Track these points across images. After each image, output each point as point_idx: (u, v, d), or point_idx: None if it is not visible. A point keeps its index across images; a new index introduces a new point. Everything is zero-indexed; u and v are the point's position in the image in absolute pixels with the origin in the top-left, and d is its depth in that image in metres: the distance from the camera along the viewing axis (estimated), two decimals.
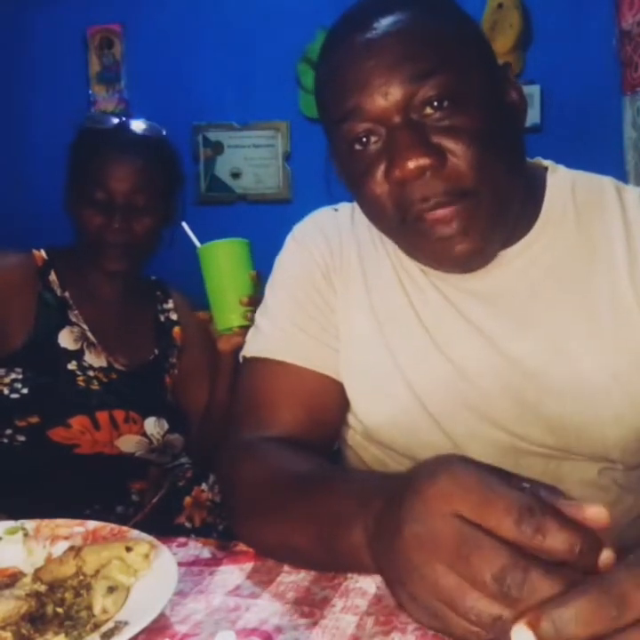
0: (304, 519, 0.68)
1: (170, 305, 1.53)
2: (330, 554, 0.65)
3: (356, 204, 0.92)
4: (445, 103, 0.73)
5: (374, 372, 0.87)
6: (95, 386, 1.33)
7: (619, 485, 0.83)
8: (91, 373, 1.34)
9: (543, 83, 2.42)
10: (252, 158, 2.72)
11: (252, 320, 1.20)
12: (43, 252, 1.39)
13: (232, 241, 1.33)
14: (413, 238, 0.79)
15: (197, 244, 1.36)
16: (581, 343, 0.81)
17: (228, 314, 1.31)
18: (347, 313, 0.89)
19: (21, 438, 1.29)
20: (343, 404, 0.89)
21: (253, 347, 0.92)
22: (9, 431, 1.29)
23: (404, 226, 0.77)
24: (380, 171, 0.75)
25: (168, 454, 1.42)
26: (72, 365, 1.32)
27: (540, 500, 0.47)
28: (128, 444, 1.34)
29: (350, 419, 0.91)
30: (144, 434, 1.36)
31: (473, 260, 0.79)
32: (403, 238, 0.81)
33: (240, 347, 1.31)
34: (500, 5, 2.38)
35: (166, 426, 1.39)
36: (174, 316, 1.52)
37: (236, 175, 2.73)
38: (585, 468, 0.82)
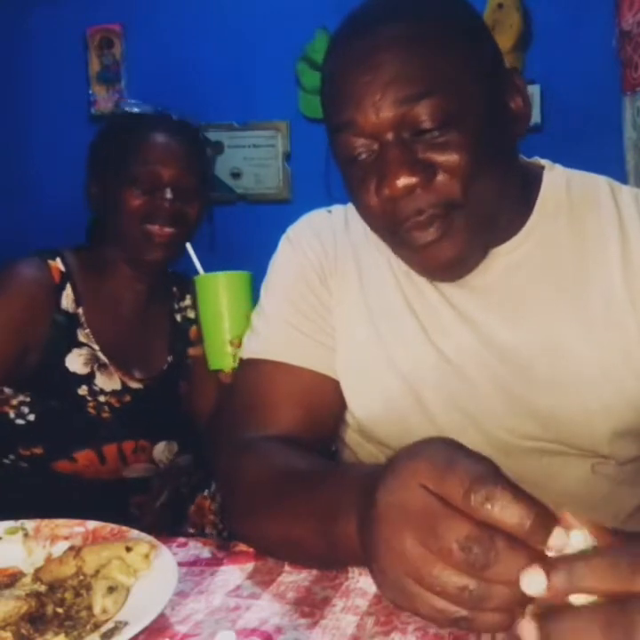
0: (304, 513, 0.68)
1: (187, 302, 1.45)
2: (328, 546, 0.65)
3: (350, 206, 0.93)
4: (438, 122, 0.74)
5: (369, 368, 0.87)
6: (106, 413, 1.27)
7: (612, 480, 0.83)
8: (102, 399, 1.27)
9: (543, 83, 2.42)
10: (252, 158, 2.71)
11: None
12: (59, 263, 1.29)
13: (232, 274, 1.20)
14: (402, 247, 0.81)
15: (200, 270, 1.25)
16: (572, 337, 0.82)
17: (218, 355, 1.18)
18: (342, 312, 0.89)
19: (24, 465, 1.26)
20: (341, 403, 0.90)
21: (250, 348, 0.92)
22: (12, 457, 1.26)
23: (395, 236, 0.80)
24: (373, 184, 0.77)
25: (173, 472, 1.37)
26: (82, 391, 1.26)
27: (498, 471, 0.47)
28: (134, 471, 1.31)
29: (347, 416, 0.92)
30: (152, 460, 1.32)
31: (455, 273, 0.81)
32: (394, 246, 0.83)
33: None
34: (500, 5, 2.38)
35: (176, 448, 1.35)
36: (192, 314, 1.43)
37: (235, 175, 2.73)
38: (578, 463, 0.82)
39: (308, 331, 0.89)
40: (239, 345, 1.10)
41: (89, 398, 1.27)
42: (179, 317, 1.45)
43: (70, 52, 2.76)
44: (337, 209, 0.98)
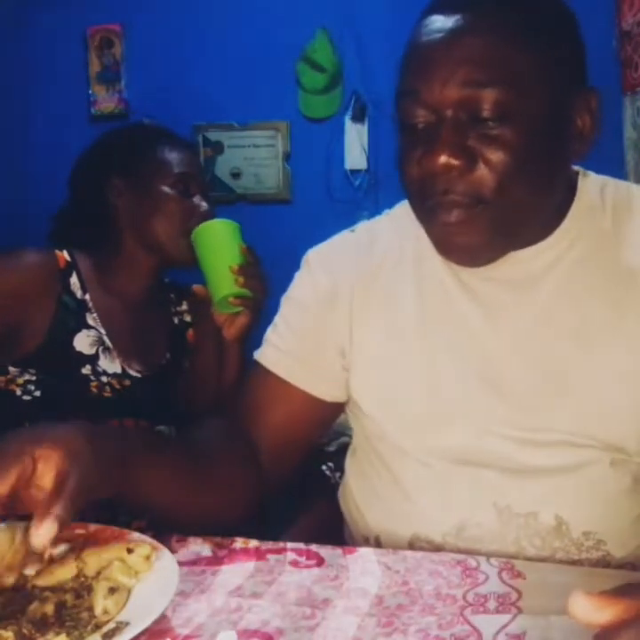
0: None
1: (184, 307, 1.52)
2: None
3: (376, 223, 0.98)
4: (497, 113, 0.75)
5: (391, 384, 0.89)
6: (108, 393, 1.32)
7: (633, 476, 0.83)
8: (104, 379, 1.33)
9: None
10: (252, 158, 2.71)
11: (245, 286, 1.31)
12: (65, 254, 1.36)
13: (223, 220, 1.37)
14: (428, 222, 0.83)
15: None
16: (607, 337, 0.83)
17: (220, 283, 1.33)
18: (364, 331, 0.92)
19: None
20: (325, 423, 1.00)
21: (264, 355, 0.97)
22: None
23: (424, 208, 0.82)
24: (418, 153, 0.79)
25: None
26: (86, 370, 1.32)
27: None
28: None
29: (359, 426, 0.96)
30: (157, 431, 1.36)
31: (473, 253, 0.82)
32: (422, 220, 0.84)
33: (244, 331, 1.34)
34: None
35: (175, 434, 1.38)
36: (188, 318, 1.52)
37: (235, 175, 2.72)
38: (600, 456, 0.82)
39: (310, 357, 0.94)
40: (237, 271, 1.31)
41: (92, 378, 1.32)
42: (176, 320, 1.51)
43: (70, 52, 2.76)
44: (361, 227, 0.99)
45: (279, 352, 0.95)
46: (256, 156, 2.70)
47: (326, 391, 0.94)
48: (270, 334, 0.98)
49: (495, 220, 0.78)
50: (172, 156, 1.41)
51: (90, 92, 2.78)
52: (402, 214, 0.92)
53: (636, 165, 1.98)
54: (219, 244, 1.35)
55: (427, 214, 0.82)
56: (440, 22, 0.78)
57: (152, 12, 2.69)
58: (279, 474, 0.96)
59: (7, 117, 2.76)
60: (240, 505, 0.91)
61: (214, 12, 2.65)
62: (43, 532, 0.60)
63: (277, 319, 0.99)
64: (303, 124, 2.57)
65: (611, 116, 2.23)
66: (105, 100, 2.77)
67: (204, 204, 1.41)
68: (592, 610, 0.44)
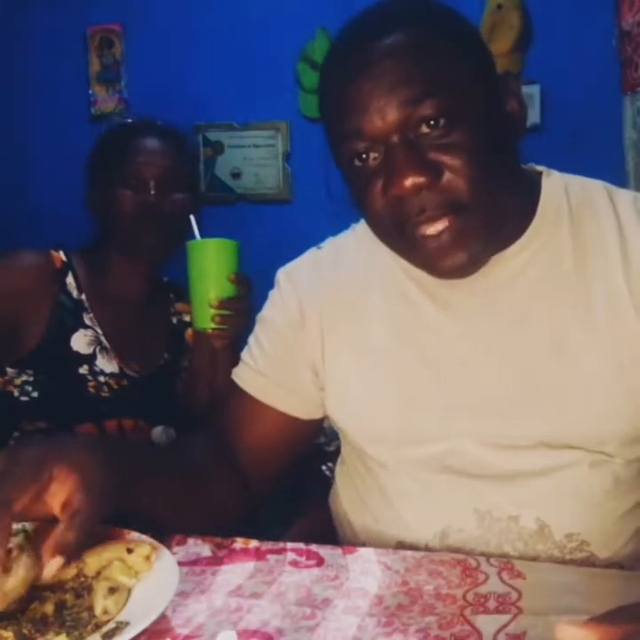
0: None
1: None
2: None
3: (343, 239, 0.98)
4: (442, 122, 0.76)
5: (363, 400, 0.90)
6: (105, 393, 1.32)
7: (615, 477, 0.83)
8: (101, 379, 1.32)
9: (543, 83, 2.41)
10: (252, 158, 2.71)
11: (221, 324, 1.26)
12: (61, 254, 1.37)
13: (218, 241, 1.29)
14: (411, 250, 0.82)
15: (198, 238, 1.34)
16: (580, 339, 0.82)
17: (199, 315, 1.28)
18: (334, 347, 0.92)
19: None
20: (304, 439, 1.00)
21: (241, 375, 0.99)
22: (17, 434, 1.29)
23: (402, 238, 0.81)
24: (379, 186, 0.78)
25: None
26: (83, 370, 1.31)
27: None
28: None
29: (342, 437, 0.97)
30: (151, 443, 1.35)
31: (464, 267, 0.82)
32: (402, 249, 0.84)
33: (231, 340, 1.32)
34: (500, 6, 2.37)
35: (174, 435, 1.38)
36: (187, 318, 1.50)
37: (235, 175, 2.72)
38: (581, 458, 0.82)
39: (281, 377, 0.95)
40: (216, 306, 1.24)
41: (89, 378, 1.32)
42: (175, 320, 1.51)
43: (70, 52, 2.75)
44: (329, 243, 1.00)
45: (252, 372, 0.97)
46: (256, 156, 2.70)
47: (300, 409, 0.96)
48: (245, 354, 1.00)
49: (477, 222, 0.78)
50: (132, 152, 1.37)
51: (90, 92, 2.77)
52: (367, 229, 0.89)
53: (636, 165, 1.97)
54: (206, 269, 1.27)
55: (408, 241, 0.80)
56: (358, 58, 0.78)
57: (152, 12, 2.68)
58: (262, 486, 0.98)
59: (7, 117, 2.76)
60: (227, 516, 0.93)
61: (214, 12, 2.65)
62: (53, 567, 0.63)
63: (251, 339, 1.00)
64: (303, 124, 2.57)
65: (611, 116, 2.24)
66: (105, 100, 2.77)
67: (151, 198, 1.34)
68: (578, 638, 0.45)
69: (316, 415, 0.96)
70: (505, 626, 0.62)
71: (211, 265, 1.27)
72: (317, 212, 2.34)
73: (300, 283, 0.96)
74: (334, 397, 0.93)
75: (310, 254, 0.99)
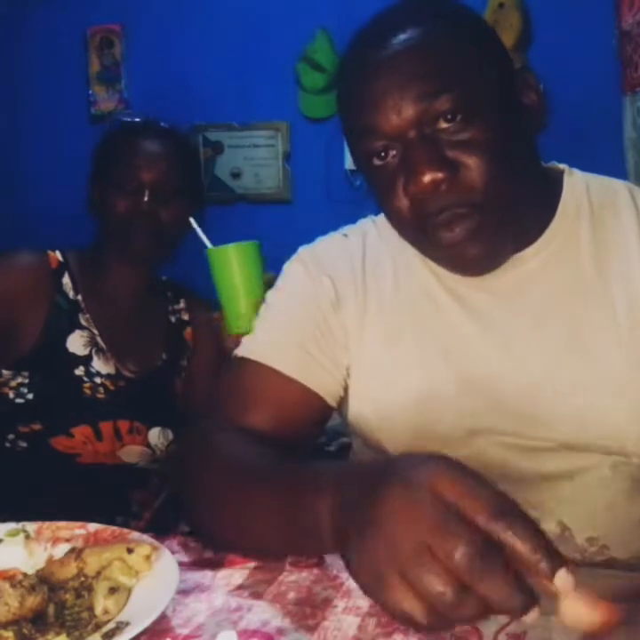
0: (262, 504, 0.69)
1: (181, 305, 1.50)
2: (288, 537, 0.67)
3: (367, 228, 0.96)
4: (458, 117, 0.76)
5: (385, 388, 0.88)
6: (101, 394, 1.31)
7: (634, 479, 0.83)
8: (97, 380, 1.31)
9: (543, 83, 2.42)
10: (252, 158, 2.71)
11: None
12: (58, 254, 1.36)
13: (244, 244, 1.25)
14: (431, 246, 0.83)
15: (208, 244, 1.30)
16: (601, 339, 0.82)
17: (240, 319, 1.24)
18: (360, 334, 0.90)
19: (23, 444, 1.28)
20: (318, 420, 0.92)
21: (246, 348, 0.93)
22: (11, 436, 1.28)
23: (424, 235, 0.81)
24: (400, 185, 0.78)
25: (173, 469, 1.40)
26: (79, 371, 1.31)
27: (516, 505, 0.50)
28: (131, 454, 1.33)
29: (356, 436, 0.95)
30: (148, 445, 1.35)
31: (484, 263, 0.82)
32: (423, 246, 0.85)
33: None
34: (501, 5, 2.37)
35: (171, 436, 1.37)
36: (186, 317, 1.50)
37: (235, 175, 2.72)
38: (600, 460, 0.82)
39: (310, 349, 0.89)
40: (255, 308, 1.16)
41: (85, 379, 1.31)
42: (173, 319, 1.50)
43: (70, 52, 2.76)
44: (353, 231, 0.98)
45: (270, 345, 0.91)
46: (256, 156, 2.70)
47: (322, 386, 0.89)
48: (259, 332, 0.94)
49: (496, 220, 0.78)
50: (130, 154, 1.36)
51: (90, 92, 2.78)
52: (386, 223, 0.89)
53: (636, 165, 1.97)
54: (240, 276, 1.22)
55: (429, 240, 0.81)
56: (374, 56, 0.78)
57: (152, 12, 2.69)
58: None
59: (7, 117, 2.76)
60: None
61: (214, 12, 2.65)
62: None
63: (268, 314, 0.95)
64: (303, 124, 2.57)
65: (611, 116, 2.24)
66: (105, 100, 2.77)
67: (143, 206, 1.32)
68: (583, 614, 0.47)
69: (334, 401, 0.91)
70: (505, 626, 0.61)
71: (247, 269, 1.23)
72: (317, 212, 2.34)
73: (332, 265, 0.93)
74: (358, 383, 0.90)
75: (336, 239, 0.97)
